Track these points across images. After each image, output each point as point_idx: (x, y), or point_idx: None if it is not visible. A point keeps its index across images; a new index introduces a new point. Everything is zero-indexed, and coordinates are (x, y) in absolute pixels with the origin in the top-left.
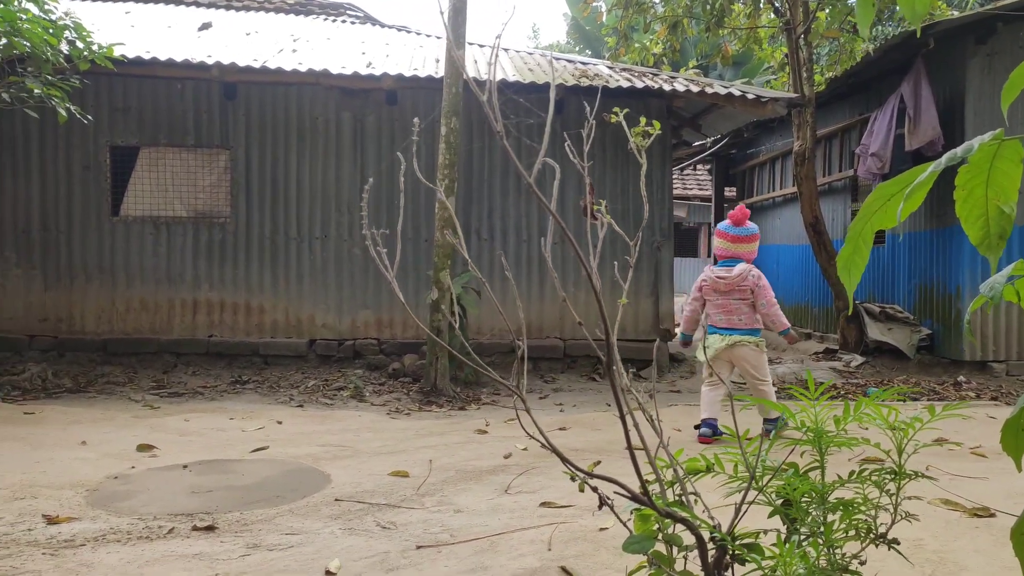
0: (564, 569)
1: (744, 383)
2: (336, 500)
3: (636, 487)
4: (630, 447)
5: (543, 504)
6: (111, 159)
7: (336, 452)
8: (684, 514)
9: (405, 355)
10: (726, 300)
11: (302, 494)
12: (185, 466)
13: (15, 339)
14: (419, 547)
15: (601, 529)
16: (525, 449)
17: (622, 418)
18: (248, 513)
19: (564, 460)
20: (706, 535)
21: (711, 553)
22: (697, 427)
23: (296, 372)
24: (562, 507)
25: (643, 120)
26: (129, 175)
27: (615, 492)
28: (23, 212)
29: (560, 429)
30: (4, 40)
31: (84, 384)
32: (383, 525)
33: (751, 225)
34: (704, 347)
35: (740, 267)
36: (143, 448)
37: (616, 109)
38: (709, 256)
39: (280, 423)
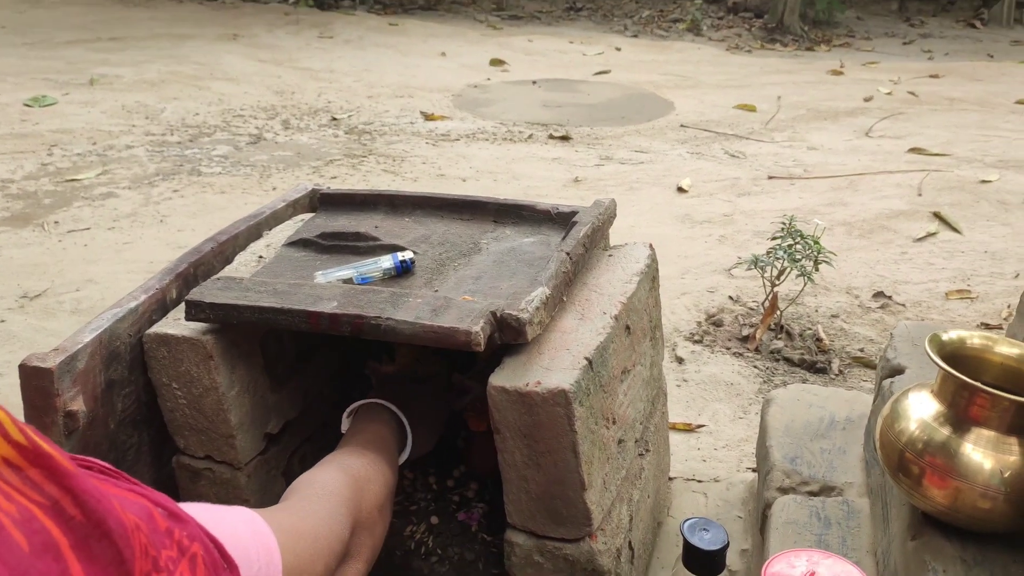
0: (937, 215)
1: None
2: (681, 126)
3: None
4: None
5: (912, 150)
6: None
7: (677, 81)
8: None
9: None
10: None
11: (647, 117)
12: (534, 82)
13: None
14: (770, 177)
15: (983, 181)
16: (889, 93)
17: None
18: (597, 129)
19: None
20: None
21: None
22: None
23: (630, 2)
24: (935, 155)
25: None
26: None
27: None
28: None
29: (931, 76)
30: None
31: (434, 3)
32: (731, 153)
33: None
34: None
35: None
36: (495, 63)
37: None
38: None
39: (618, 50)
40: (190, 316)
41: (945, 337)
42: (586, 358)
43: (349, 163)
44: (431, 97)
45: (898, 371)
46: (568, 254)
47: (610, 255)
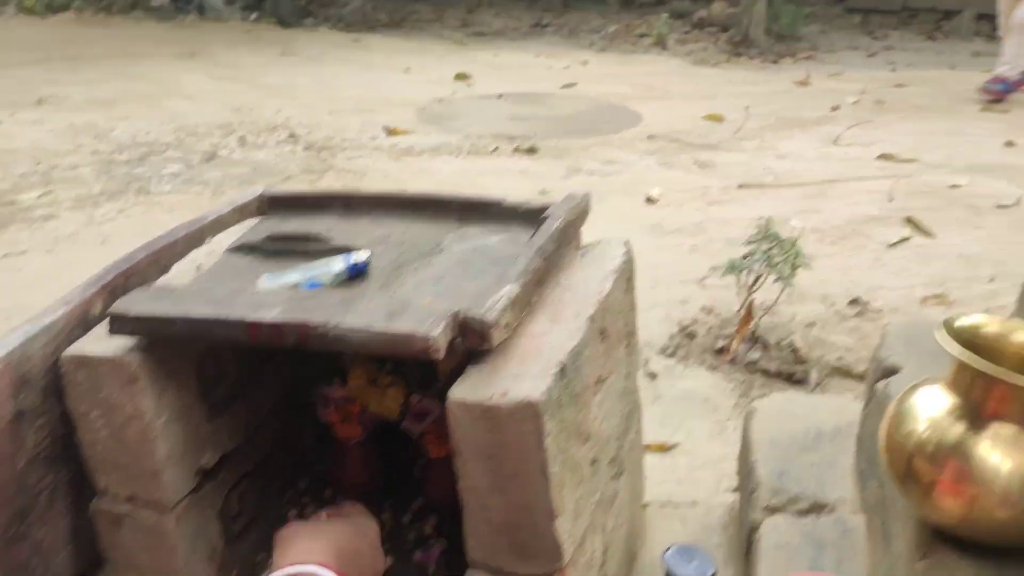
0: (910, 220)
1: None
2: (650, 137)
3: None
4: None
5: (881, 156)
6: None
7: (644, 93)
8: None
9: (714, 2)
10: None
11: (615, 128)
12: (500, 95)
13: None
14: (740, 186)
15: (953, 186)
16: (856, 102)
17: None
18: (564, 141)
19: None
20: None
21: None
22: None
23: (597, 17)
24: (905, 161)
25: None
26: None
27: None
28: None
29: (896, 86)
30: None
31: (398, 20)
32: (700, 163)
33: None
34: None
35: None
36: (460, 77)
37: None
38: None
39: (585, 63)
40: (114, 330)
41: (959, 323)
42: (559, 362)
43: (307, 179)
44: (394, 112)
45: (892, 371)
46: (539, 248)
47: (583, 254)
